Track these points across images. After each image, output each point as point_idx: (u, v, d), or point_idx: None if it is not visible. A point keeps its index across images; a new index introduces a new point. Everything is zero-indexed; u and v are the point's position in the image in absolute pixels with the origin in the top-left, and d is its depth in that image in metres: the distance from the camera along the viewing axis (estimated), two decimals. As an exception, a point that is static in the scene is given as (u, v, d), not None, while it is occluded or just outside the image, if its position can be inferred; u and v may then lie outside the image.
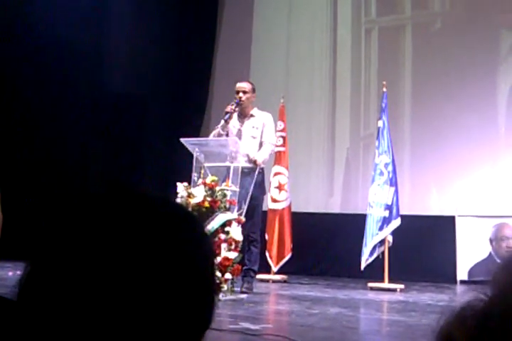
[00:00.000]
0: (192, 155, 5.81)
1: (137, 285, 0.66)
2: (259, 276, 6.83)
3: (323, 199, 8.34)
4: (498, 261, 7.22)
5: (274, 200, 7.44)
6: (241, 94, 6.05)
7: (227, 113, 5.97)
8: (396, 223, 6.67)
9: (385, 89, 7.02)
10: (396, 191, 6.76)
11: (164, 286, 0.67)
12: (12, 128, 7.59)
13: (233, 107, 5.97)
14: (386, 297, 6.08)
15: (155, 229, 0.69)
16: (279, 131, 7.43)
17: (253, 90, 6.18)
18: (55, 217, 0.70)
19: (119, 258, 0.66)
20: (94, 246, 0.66)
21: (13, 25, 7.67)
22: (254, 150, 6.04)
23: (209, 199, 5.42)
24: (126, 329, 0.65)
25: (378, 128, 6.99)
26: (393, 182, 6.77)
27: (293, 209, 7.56)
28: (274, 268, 7.37)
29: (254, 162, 5.89)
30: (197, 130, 8.45)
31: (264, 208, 6.77)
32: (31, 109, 7.68)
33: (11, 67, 7.60)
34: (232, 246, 5.39)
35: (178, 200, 5.34)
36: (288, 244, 7.42)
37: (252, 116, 6.16)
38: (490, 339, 0.62)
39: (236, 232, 5.39)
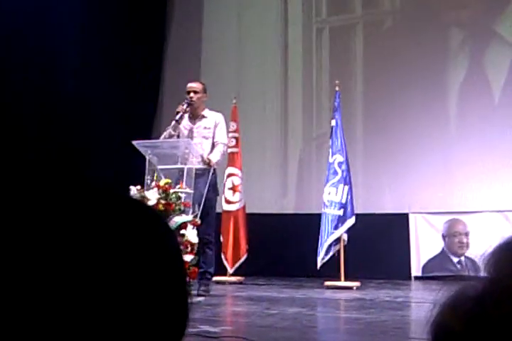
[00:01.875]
0: (144, 158, 5.72)
1: (104, 289, 0.61)
2: (216, 278, 6.77)
3: (277, 199, 8.33)
4: (451, 256, 7.34)
5: (228, 202, 7.40)
6: (192, 94, 5.98)
7: (178, 113, 5.90)
8: (351, 221, 6.69)
9: (337, 88, 7.04)
10: (350, 190, 6.78)
11: (134, 289, 0.62)
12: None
13: (184, 107, 5.91)
14: (343, 295, 6.09)
15: (120, 225, 0.65)
16: (232, 131, 7.39)
17: (204, 90, 6.13)
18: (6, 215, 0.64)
19: (80, 260, 0.60)
20: (53, 245, 0.61)
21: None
22: (207, 150, 5.98)
23: (163, 202, 5.34)
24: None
25: (331, 128, 7.00)
26: (347, 180, 6.79)
27: (247, 211, 7.52)
28: (230, 270, 7.32)
29: (209, 163, 5.82)
30: (148, 132, 8.34)
31: (218, 210, 6.72)
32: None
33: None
34: (188, 249, 5.33)
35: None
36: (243, 246, 7.38)
37: (203, 116, 6.10)
38: (486, 324, 0.60)
39: (192, 235, 5.33)
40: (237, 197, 7.42)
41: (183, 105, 5.93)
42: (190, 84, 6.09)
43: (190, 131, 6.05)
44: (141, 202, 0.74)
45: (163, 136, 6.05)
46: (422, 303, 5.63)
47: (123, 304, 0.61)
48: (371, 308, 5.03)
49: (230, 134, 7.23)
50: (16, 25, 7.69)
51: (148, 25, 9.03)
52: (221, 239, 7.29)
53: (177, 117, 5.91)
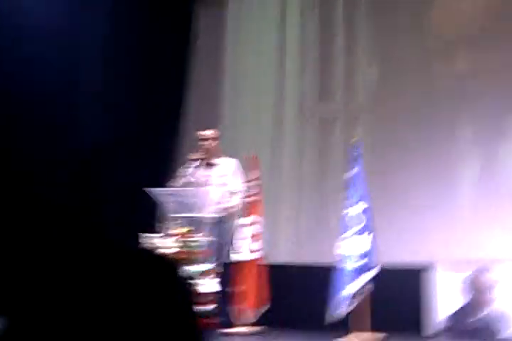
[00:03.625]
0: (156, 205, 5.71)
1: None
2: (228, 330, 6.64)
3: (293, 249, 8.28)
4: (475, 310, 7.14)
5: (250, 250, 7.32)
6: (205, 142, 6.01)
7: (191, 160, 5.93)
8: (373, 272, 6.50)
9: (357, 139, 6.98)
10: (374, 238, 6.60)
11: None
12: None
13: (198, 155, 5.94)
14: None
15: (141, 280, 0.68)
16: (253, 179, 7.38)
17: (217, 138, 6.16)
18: (30, 272, 0.68)
19: (101, 315, 0.64)
20: (78, 299, 0.64)
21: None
22: (223, 198, 5.96)
23: (182, 250, 5.30)
24: None
25: (351, 177, 6.88)
26: (371, 229, 6.63)
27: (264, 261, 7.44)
28: (246, 321, 7.19)
29: (228, 211, 5.81)
30: (166, 178, 8.35)
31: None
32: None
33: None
34: (202, 299, 5.24)
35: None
36: (263, 296, 7.27)
37: (218, 164, 6.11)
38: None
39: (211, 283, 5.25)
40: (257, 245, 7.35)
41: (197, 152, 5.96)
42: (203, 132, 6.12)
43: (206, 178, 6.05)
44: (156, 254, 0.75)
45: (176, 184, 6.04)
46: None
47: None
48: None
49: (252, 182, 7.24)
50: (37, 51, 7.80)
51: (170, 59, 9.13)
52: (230, 289, 7.15)
53: (192, 164, 5.92)
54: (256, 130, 8.73)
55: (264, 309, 7.24)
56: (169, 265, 0.73)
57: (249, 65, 9.09)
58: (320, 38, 8.79)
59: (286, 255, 8.18)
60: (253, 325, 7.18)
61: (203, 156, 5.93)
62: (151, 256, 0.73)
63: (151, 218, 5.64)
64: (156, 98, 8.97)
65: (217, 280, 5.35)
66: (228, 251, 5.88)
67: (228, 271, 5.89)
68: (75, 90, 8.32)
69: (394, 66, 8.30)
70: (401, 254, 7.56)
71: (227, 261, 5.87)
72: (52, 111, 7.97)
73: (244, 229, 7.31)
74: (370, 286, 6.51)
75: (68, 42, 8.15)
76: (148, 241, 5.27)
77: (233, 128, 8.61)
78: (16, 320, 0.64)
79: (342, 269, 6.56)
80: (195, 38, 9.49)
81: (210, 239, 5.48)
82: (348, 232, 6.66)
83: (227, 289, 5.86)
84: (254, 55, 9.10)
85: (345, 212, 6.74)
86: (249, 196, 7.15)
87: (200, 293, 5.09)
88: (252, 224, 7.41)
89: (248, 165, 7.16)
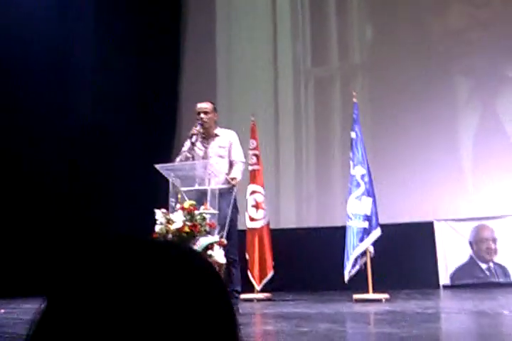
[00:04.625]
0: (168, 181, 5.75)
1: (157, 327, 0.63)
2: (243, 296, 6.77)
3: (300, 213, 8.33)
4: (480, 262, 7.28)
5: (252, 219, 7.41)
6: (203, 115, 5.99)
7: (192, 135, 5.92)
8: (376, 233, 6.64)
9: (355, 100, 7.02)
10: (374, 202, 6.73)
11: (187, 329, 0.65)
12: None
13: (198, 128, 5.92)
14: (373, 308, 6.04)
15: (171, 272, 0.68)
16: (252, 149, 7.42)
17: (214, 110, 6.13)
18: (74, 258, 0.69)
19: (137, 303, 0.64)
20: (118, 290, 0.65)
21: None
22: (224, 169, 5.97)
23: (189, 224, 5.35)
24: None
25: (352, 140, 6.95)
26: (371, 193, 6.75)
27: (271, 227, 7.52)
28: (258, 287, 7.32)
29: (232, 183, 5.83)
30: (169, 154, 8.39)
31: (241, 227, 6.72)
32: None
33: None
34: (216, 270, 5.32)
35: (158, 227, 5.27)
36: (269, 262, 7.38)
37: (216, 135, 6.10)
38: None
39: (219, 255, 5.33)
40: (260, 214, 7.43)
41: (196, 126, 5.95)
42: (200, 105, 6.08)
43: (205, 151, 6.06)
44: (184, 246, 0.77)
45: (178, 159, 6.05)
46: (453, 314, 5.59)
47: None
48: (402, 321, 4.97)
49: (251, 152, 7.28)
50: (34, 52, 7.79)
51: (163, 50, 9.10)
52: (246, 256, 7.29)
53: (192, 139, 5.92)
54: (253, 97, 8.72)
55: (269, 276, 7.36)
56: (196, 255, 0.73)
57: (243, 31, 9.02)
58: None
59: (289, 221, 8.25)
60: (260, 291, 7.32)
61: (202, 129, 5.91)
62: (181, 251, 0.72)
63: (165, 194, 5.68)
64: (152, 72, 8.94)
65: (223, 251, 5.40)
66: (232, 221, 5.91)
67: (232, 240, 5.93)
68: (72, 67, 8.31)
69: (388, 24, 8.25)
70: (404, 213, 7.66)
71: (231, 231, 5.90)
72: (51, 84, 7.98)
73: (247, 198, 7.38)
74: (371, 249, 6.62)
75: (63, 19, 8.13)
76: (159, 216, 5.31)
77: (230, 97, 8.60)
78: (56, 300, 0.65)
79: (349, 229, 6.68)
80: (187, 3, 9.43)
81: (214, 211, 5.51)
82: (352, 194, 6.76)
83: (234, 257, 5.91)
84: (247, 21, 9.02)
85: (350, 172, 6.84)
86: (249, 165, 7.21)
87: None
88: (252, 193, 7.48)
89: (247, 135, 7.20)
